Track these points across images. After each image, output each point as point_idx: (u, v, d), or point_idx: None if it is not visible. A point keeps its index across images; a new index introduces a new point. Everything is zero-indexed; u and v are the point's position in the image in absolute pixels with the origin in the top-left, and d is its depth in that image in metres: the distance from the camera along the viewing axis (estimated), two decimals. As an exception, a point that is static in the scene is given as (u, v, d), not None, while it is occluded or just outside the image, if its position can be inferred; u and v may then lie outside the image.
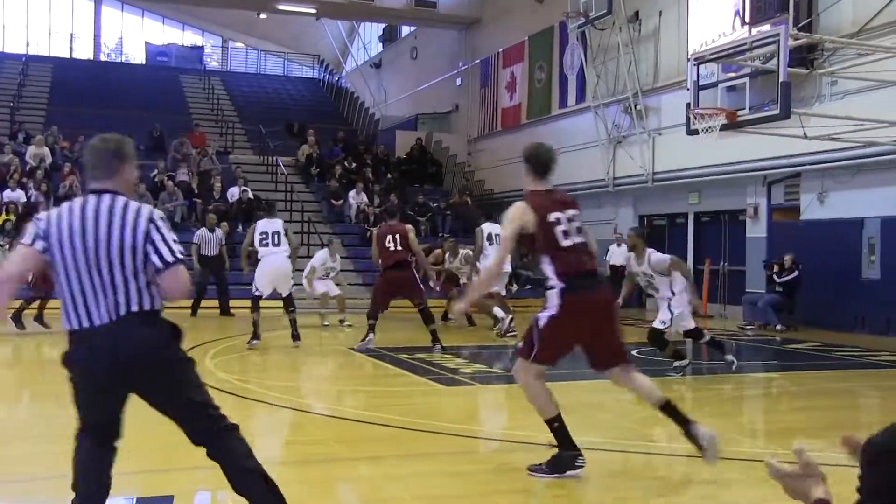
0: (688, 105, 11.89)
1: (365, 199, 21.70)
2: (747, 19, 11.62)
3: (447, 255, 15.37)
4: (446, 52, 28.18)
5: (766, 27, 10.98)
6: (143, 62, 35.57)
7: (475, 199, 22.84)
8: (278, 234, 10.92)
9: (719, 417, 6.95)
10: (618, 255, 18.78)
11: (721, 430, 6.28)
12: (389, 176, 23.67)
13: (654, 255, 8.77)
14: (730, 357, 9.24)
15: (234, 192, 20.44)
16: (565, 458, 4.91)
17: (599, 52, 19.44)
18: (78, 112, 24.78)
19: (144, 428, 6.26)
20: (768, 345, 12.90)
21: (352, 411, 7.07)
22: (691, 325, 9.02)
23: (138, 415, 6.29)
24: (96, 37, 38.45)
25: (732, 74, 11.95)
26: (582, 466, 4.91)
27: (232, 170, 22.34)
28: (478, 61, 25.99)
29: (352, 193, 21.76)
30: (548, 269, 4.83)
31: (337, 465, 5.47)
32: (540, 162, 5.01)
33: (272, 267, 10.82)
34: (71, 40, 37.56)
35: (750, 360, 11.70)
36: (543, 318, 4.79)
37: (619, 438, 6.07)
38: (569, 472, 4.90)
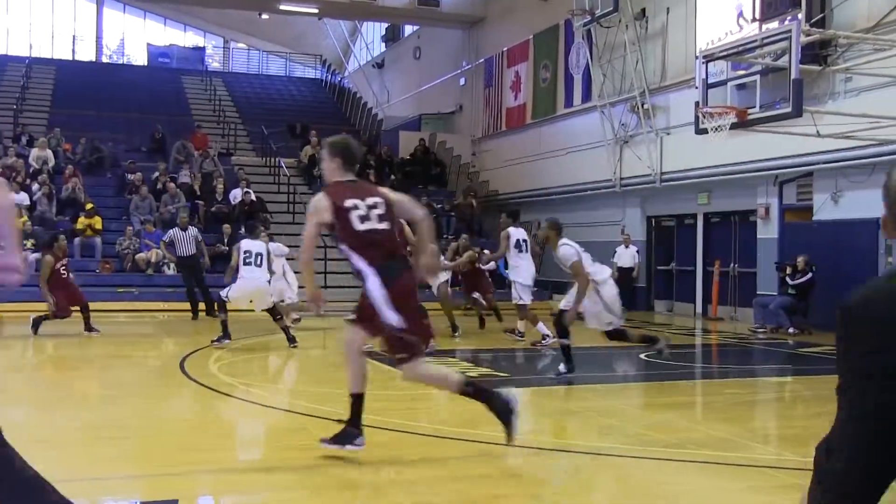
0: (696, 104, 11.83)
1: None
2: (758, 15, 11.56)
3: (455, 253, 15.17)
4: (450, 52, 28.14)
5: (776, 23, 10.90)
6: (145, 63, 35.58)
7: (480, 200, 22.79)
8: (261, 255, 11.15)
9: (730, 422, 6.88)
10: (626, 256, 18.74)
11: (732, 436, 6.26)
12: (393, 177, 23.60)
13: (563, 248, 8.42)
14: (562, 367, 8.81)
15: (236, 194, 20.41)
16: (350, 433, 5.19)
17: (605, 51, 19.38)
18: (80, 114, 24.81)
19: (148, 432, 6.23)
20: (781, 348, 12.80)
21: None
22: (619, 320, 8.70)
23: (142, 419, 6.26)
24: (98, 38, 38.48)
25: (742, 72, 11.87)
26: (361, 446, 5.21)
27: (234, 171, 22.33)
28: (482, 61, 25.95)
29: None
30: (351, 256, 5.00)
31: (341, 470, 5.42)
32: (352, 155, 5.28)
33: (254, 286, 11.05)
34: (73, 42, 37.62)
35: (762, 364, 11.64)
36: (388, 315, 4.90)
37: (627, 444, 6.00)
38: (348, 447, 5.19)
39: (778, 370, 11.05)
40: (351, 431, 5.20)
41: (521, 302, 11.81)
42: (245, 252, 11.05)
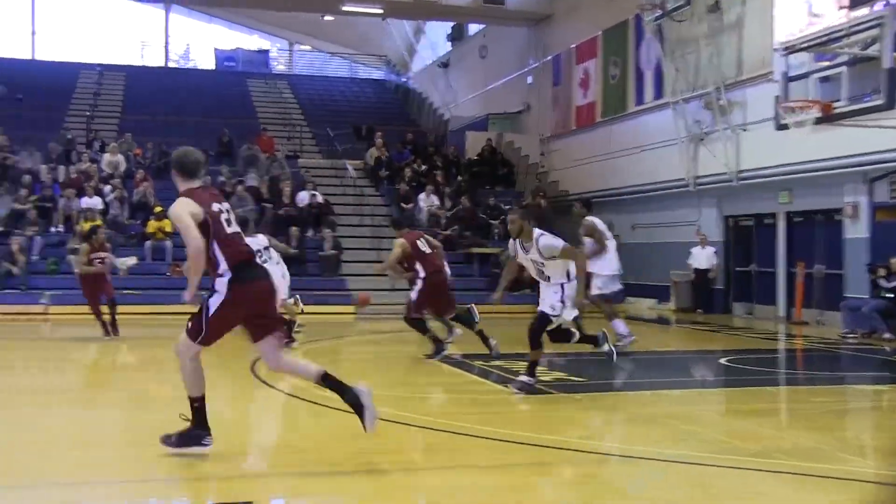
0: (776, 98, 11.52)
1: (435, 201, 21.71)
2: (845, 2, 11.16)
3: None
4: (516, 50, 28.03)
5: (866, 10, 10.54)
6: (213, 67, 36.29)
7: (550, 200, 22.64)
8: (266, 248, 10.96)
9: (819, 431, 6.67)
10: (702, 257, 18.40)
11: (821, 445, 6.06)
12: (460, 178, 23.63)
13: (543, 238, 7.89)
14: (607, 347, 8.99)
15: (303, 197, 20.66)
16: (194, 435, 5.43)
17: (678, 45, 19.05)
18: (149, 119, 25.42)
19: (221, 433, 6.31)
20: (876, 354, 12.30)
21: (428, 419, 7.01)
22: (572, 315, 8.35)
23: (214, 421, 6.32)
24: (166, 44, 39.41)
25: (826, 63, 11.53)
26: (208, 446, 5.42)
27: (301, 174, 22.61)
28: (549, 58, 25.78)
29: (422, 196, 21.80)
30: (217, 257, 5.30)
31: (416, 475, 5.42)
32: (186, 167, 5.59)
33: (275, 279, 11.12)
34: (142, 48, 38.62)
35: (854, 371, 11.25)
36: (213, 304, 5.28)
37: (708, 451, 5.86)
38: (194, 448, 5.40)
39: (873, 378, 10.55)
40: (195, 433, 5.45)
41: (605, 291, 11.03)
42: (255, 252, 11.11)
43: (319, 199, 20.56)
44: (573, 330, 8.67)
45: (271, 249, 11.13)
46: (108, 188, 20.08)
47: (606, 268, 11.05)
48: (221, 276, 5.30)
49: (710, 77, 18.15)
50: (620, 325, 11.10)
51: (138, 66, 34.65)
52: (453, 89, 32.61)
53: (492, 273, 19.60)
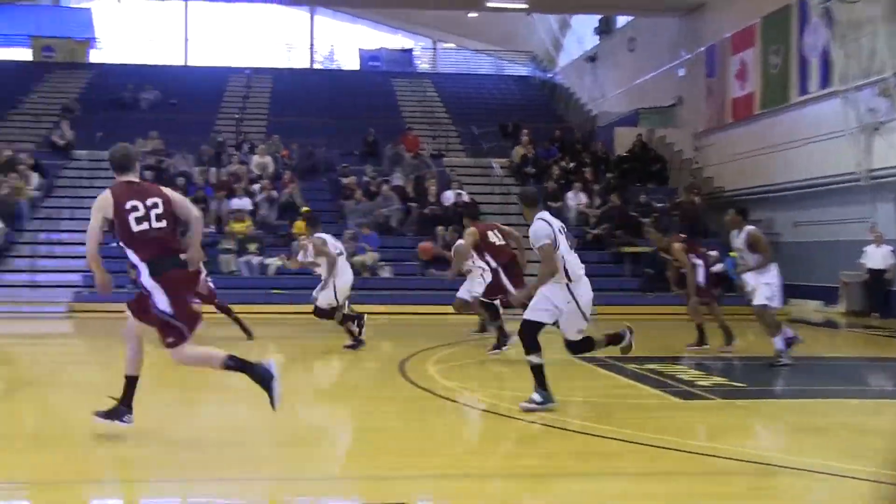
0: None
1: (584, 199, 21.51)
2: None
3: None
4: (666, 42, 27.39)
5: None
6: (357, 68, 37.23)
7: (704, 197, 22.02)
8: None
9: None
10: (877, 256, 17.45)
11: None
12: (609, 175, 23.33)
13: (538, 223, 7.21)
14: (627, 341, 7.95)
15: (448, 196, 20.90)
16: (120, 410, 5.93)
17: (849, 29, 18.10)
18: (295, 120, 26.34)
19: (370, 434, 6.46)
20: None
21: (581, 423, 6.95)
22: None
23: (363, 420, 6.48)
24: (311, 46, 40.69)
25: None
26: (128, 423, 5.92)
27: (446, 173, 22.88)
28: (702, 49, 25.05)
29: (570, 194, 21.65)
30: (127, 251, 5.79)
31: (571, 481, 5.38)
32: (119, 160, 6.03)
33: (350, 277, 11.70)
34: (288, 51, 40.05)
35: None
36: (159, 302, 5.72)
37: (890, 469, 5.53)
38: (116, 422, 5.90)
39: None
40: (122, 409, 5.95)
41: (773, 304, 10.36)
42: (334, 246, 11.46)
43: (465, 197, 20.75)
44: (593, 336, 7.68)
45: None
46: (257, 189, 20.93)
47: (775, 278, 10.32)
48: (139, 273, 5.79)
49: (887, 61, 17.16)
50: (785, 334, 10.33)
51: (284, 68, 35.95)
52: (601, 84, 32.22)
53: (644, 273, 19.27)
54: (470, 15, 34.41)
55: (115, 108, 27.39)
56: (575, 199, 21.48)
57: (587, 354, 8.13)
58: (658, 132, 26.01)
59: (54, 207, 21.19)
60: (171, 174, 21.70)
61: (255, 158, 22.64)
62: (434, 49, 42.06)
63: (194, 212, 6.11)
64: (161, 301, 5.73)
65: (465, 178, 22.58)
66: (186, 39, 38.42)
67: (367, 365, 10.85)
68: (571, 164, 23.55)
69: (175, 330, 5.76)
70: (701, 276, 11.56)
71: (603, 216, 20.80)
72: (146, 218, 5.76)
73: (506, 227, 11.42)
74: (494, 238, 10.94)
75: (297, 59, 39.65)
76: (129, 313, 6.01)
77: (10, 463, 5.60)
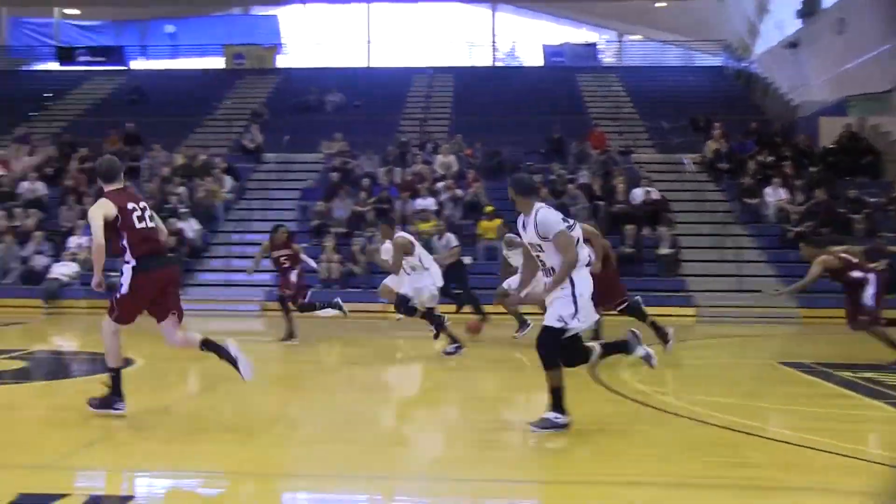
0: None
1: (784, 195, 20.57)
2: None
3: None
4: (881, 21, 25.73)
5: None
6: (541, 64, 37.27)
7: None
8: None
9: None
10: None
11: None
12: (813, 169, 22.18)
13: (542, 211, 6.54)
14: (641, 351, 7.32)
15: (637, 194, 20.54)
16: (109, 399, 6.82)
17: None
18: (478, 119, 26.64)
19: (554, 437, 6.43)
20: None
21: (789, 433, 6.65)
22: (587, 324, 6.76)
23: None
24: (493, 43, 41.07)
25: None
26: (120, 410, 6.77)
27: (635, 170, 22.50)
28: (924, 27, 23.41)
29: (768, 190, 20.77)
30: (125, 247, 6.68)
31: (780, 495, 5.16)
32: (103, 172, 6.96)
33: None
34: (470, 49, 40.63)
35: None
36: (122, 287, 6.71)
37: None
38: (109, 411, 6.76)
39: None
40: (110, 398, 6.84)
41: None
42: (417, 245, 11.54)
43: (655, 195, 20.32)
44: (592, 344, 6.93)
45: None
46: (441, 188, 21.32)
47: None
48: (127, 263, 6.70)
49: None
50: None
51: (466, 66, 36.46)
52: (803, 71, 30.72)
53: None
54: (658, 5, 33.72)
55: (301, 111, 28.69)
56: (774, 196, 20.58)
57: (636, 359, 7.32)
58: (871, 120, 24.47)
59: (246, 209, 22.42)
60: (356, 175, 22.47)
61: (439, 158, 23.07)
62: (619, 42, 41.47)
63: (162, 225, 7.23)
64: (122, 288, 6.73)
65: (654, 175, 22.10)
66: (369, 42, 39.65)
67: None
68: (770, 158, 22.56)
69: (112, 307, 6.78)
70: (869, 295, 10.49)
71: (807, 213, 19.81)
72: (143, 218, 6.79)
73: (588, 227, 10.95)
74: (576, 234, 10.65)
75: (479, 57, 40.14)
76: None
77: (214, 453, 5.96)
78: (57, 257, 19.51)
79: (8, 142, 25.49)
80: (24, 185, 22.12)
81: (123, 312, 6.79)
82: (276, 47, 37.46)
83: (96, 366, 10.67)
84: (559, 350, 6.36)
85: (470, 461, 5.87)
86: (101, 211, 6.65)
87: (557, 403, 6.41)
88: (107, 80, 33.70)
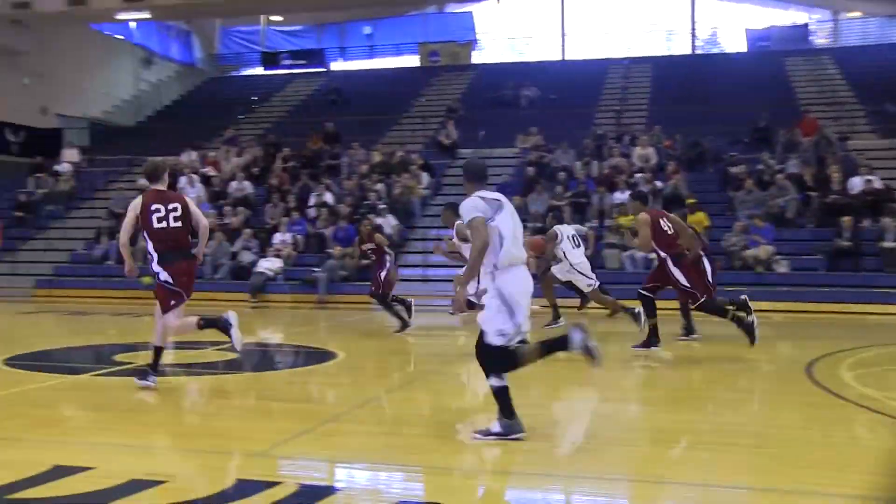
0: None
1: None
2: None
3: None
4: None
5: None
6: (744, 50, 35.83)
7: None
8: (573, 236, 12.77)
9: None
10: None
11: None
12: None
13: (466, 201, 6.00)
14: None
15: (856, 183, 19.24)
16: (147, 372, 7.88)
17: None
18: (678, 109, 25.87)
19: (769, 441, 6.01)
20: None
21: None
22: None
23: (763, 427, 6.01)
24: (692, 30, 39.80)
25: None
26: (151, 384, 7.82)
27: (852, 157, 21.12)
28: None
29: None
30: (147, 245, 7.72)
31: None
32: (145, 173, 8.05)
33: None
34: (668, 37, 39.54)
35: None
36: (160, 276, 7.69)
37: None
38: (144, 382, 7.84)
39: None
40: (149, 371, 7.88)
41: None
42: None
43: (877, 184, 18.97)
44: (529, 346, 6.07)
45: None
46: (640, 181, 20.81)
47: None
48: (153, 259, 7.69)
49: None
50: None
51: (664, 55, 35.51)
52: None
53: None
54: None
55: (496, 106, 28.83)
56: None
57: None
58: None
59: (442, 205, 22.64)
60: (552, 169, 22.30)
61: (637, 150, 22.54)
62: (834, 21, 39.12)
63: (203, 221, 8.00)
64: (162, 279, 7.69)
65: (875, 163, 20.65)
66: (563, 34, 39.38)
67: (764, 367, 10.22)
68: None
69: (174, 294, 7.71)
70: None
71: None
72: (165, 218, 7.63)
73: (676, 217, 10.75)
74: (665, 227, 10.41)
75: (678, 46, 39.03)
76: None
77: (412, 446, 5.95)
78: (263, 253, 20.48)
79: (218, 144, 27.05)
80: (233, 184, 23.36)
81: (172, 299, 7.74)
82: (471, 43, 37.90)
83: (299, 358, 11.07)
84: (502, 359, 5.85)
85: (689, 462, 5.58)
86: (132, 208, 7.73)
87: (505, 409, 5.87)
88: (308, 82, 35.22)
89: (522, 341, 5.97)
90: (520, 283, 5.89)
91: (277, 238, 20.69)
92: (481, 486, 5.28)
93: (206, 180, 23.86)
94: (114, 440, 6.03)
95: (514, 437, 5.80)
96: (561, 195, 20.70)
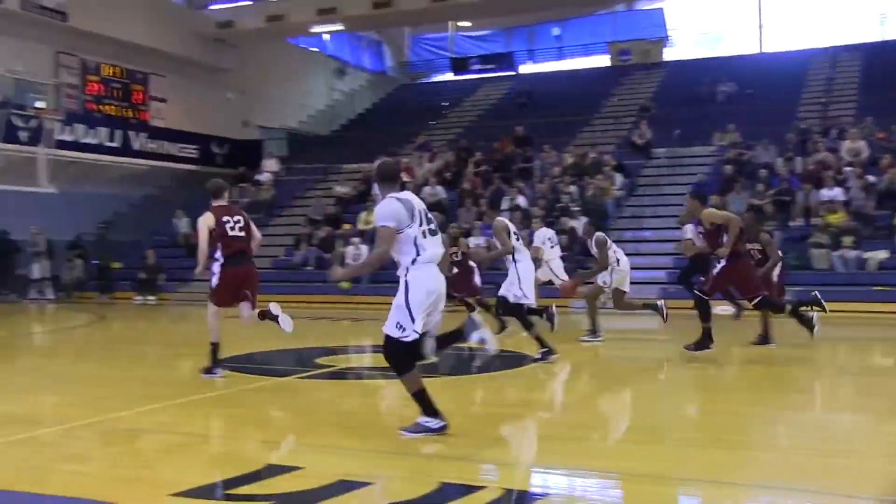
0: None
1: None
2: None
3: None
4: None
5: None
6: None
7: None
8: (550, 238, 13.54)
9: None
10: None
11: None
12: None
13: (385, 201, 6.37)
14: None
15: None
16: (213, 368, 9.01)
17: None
18: (891, 99, 24.24)
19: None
20: None
21: None
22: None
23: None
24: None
25: None
26: (217, 375, 8.93)
27: None
28: None
29: None
30: (216, 251, 8.80)
31: None
32: (210, 191, 9.13)
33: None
34: (881, 21, 37.09)
35: None
36: (212, 280, 8.89)
37: None
38: (209, 375, 8.94)
39: None
40: (214, 368, 8.98)
41: None
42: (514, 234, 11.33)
43: None
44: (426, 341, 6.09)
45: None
46: (850, 175, 19.66)
47: None
48: (217, 261, 8.75)
49: None
50: None
51: (876, 42, 33.35)
52: None
53: None
54: None
55: (690, 103, 28.01)
56: None
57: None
58: None
59: (637, 206, 22.29)
60: (752, 166, 21.44)
61: (846, 144, 21.31)
62: None
63: (258, 233, 9.22)
64: (213, 280, 8.86)
65: None
66: (760, 26, 37.78)
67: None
68: None
69: (211, 294, 8.94)
70: None
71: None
72: (233, 228, 8.78)
73: (716, 212, 10.25)
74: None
75: (892, 30, 36.55)
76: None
77: (608, 452, 5.80)
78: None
79: (410, 150, 27.65)
80: (426, 189, 23.81)
81: (218, 297, 8.89)
82: (662, 40, 37.03)
83: (494, 362, 11.07)
84: (407, 355, 6.04)
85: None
86: (205, 221, 8.76)
87: (427, 407, 6.10)
88: (497, 86, 35.47)
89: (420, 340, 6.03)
90: (427, 283, 6.03)
91: (471, 242, 20.89)
92: (679, 494, 5.06)
93: (400, 186, 24.40)
94: (319, 441, 6.19)
95: (437, 429, 6.04)
96: (762, 193, 19.84)
